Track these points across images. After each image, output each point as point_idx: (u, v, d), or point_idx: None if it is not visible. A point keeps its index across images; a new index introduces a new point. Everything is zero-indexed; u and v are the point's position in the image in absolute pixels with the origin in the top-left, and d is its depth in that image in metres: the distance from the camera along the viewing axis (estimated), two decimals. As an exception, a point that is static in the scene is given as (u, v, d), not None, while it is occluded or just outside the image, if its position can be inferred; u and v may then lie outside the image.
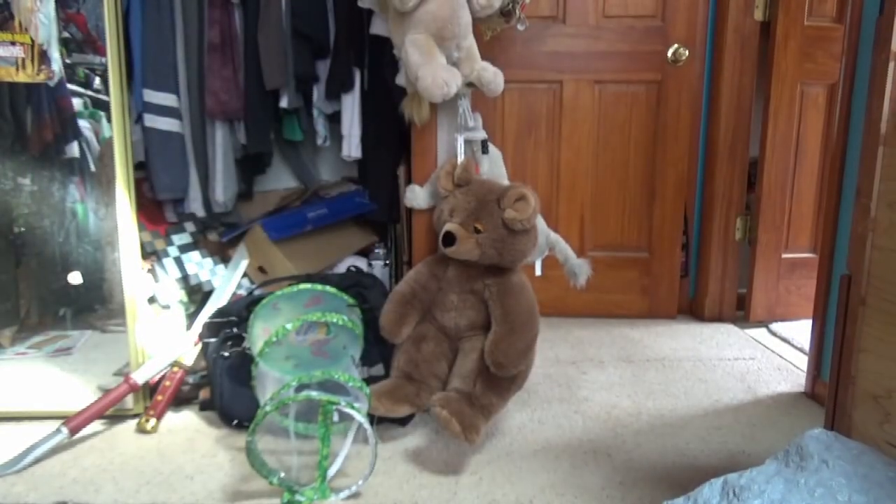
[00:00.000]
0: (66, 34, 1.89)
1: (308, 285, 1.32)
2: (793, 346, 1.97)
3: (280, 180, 2.22)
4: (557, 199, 2.21)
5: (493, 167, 1.76)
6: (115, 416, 1.40)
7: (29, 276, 1.99)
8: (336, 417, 1.16)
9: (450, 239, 1.31)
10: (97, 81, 2.08)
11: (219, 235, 2.04)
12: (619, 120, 2.17)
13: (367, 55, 1.96)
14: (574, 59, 2.12)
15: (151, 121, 1.77)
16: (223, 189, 1.92)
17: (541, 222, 1.65)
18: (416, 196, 1.78)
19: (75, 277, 1.95)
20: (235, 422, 1.36)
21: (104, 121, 2.05)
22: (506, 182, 1.68)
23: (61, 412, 1.35)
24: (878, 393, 0.97)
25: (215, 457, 1.25)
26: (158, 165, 1.81)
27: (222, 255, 2.02)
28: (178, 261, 1.88)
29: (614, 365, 1.80)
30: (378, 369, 1.45)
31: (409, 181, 1.89)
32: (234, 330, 1.43)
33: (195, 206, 1.91)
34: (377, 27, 1.79)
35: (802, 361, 1.75)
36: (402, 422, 1.37)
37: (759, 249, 2.17)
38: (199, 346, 1.51)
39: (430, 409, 1.22)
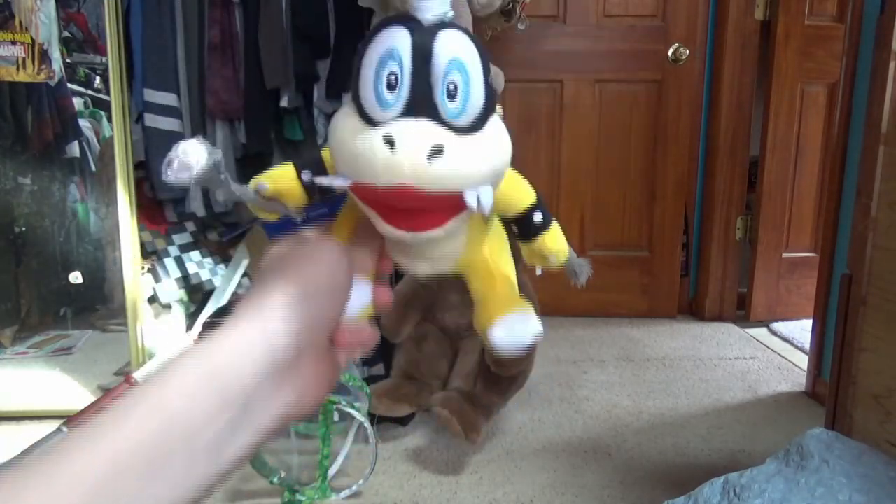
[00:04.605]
0: (66, 34, 1.89)
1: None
2: (793, 345, 1.96)
3: (280, 180, 2.22)
4: (558, 199, 2.21)
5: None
6: (115, 416, 1.40)
7: (29, 275, 1.99)
8: (336, 417, 1.16)
9: (450, 238, 1.31)
10: (98, 81, 2.08)
11: (219, 235, 2.04)
12: (619, 119, 2.16)
13: (367, 55, 1.96)
14: (574, 59, 2.12)
15: (152, 120, 1.77)
16: (224, 189, 1.92)
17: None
18: (417, 195, 1.78)
19: (76, 277, 1.95)
20: (236, 421, 1.36)
21: (105, 120, 2.05)
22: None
23: (62, 412, 1.35)
24: (879, 392, 0.97)
25: (216, 456, 1.25)
26: (159, 165, 1.80)
27: (223, 254, 2.02)
28: (179, 260, 1.88)
29: (615, 364, 1.80)
30: (378, 369, 1.45)
31: (409, 181, 1.89)
32: (235, 329, 1.43)
33: (196, 205, 1.90)
34: (377, 27, 1.79)
35: (803, 361, 1.75)
36: (403, 421, 1.37)
37: (760, 249, 2.17)
38: (200, 345, 1.50)
39: (430, 408, 1.22)
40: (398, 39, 0.30)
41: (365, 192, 0.33)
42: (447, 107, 0.31)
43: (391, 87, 0.31)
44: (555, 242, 0.45)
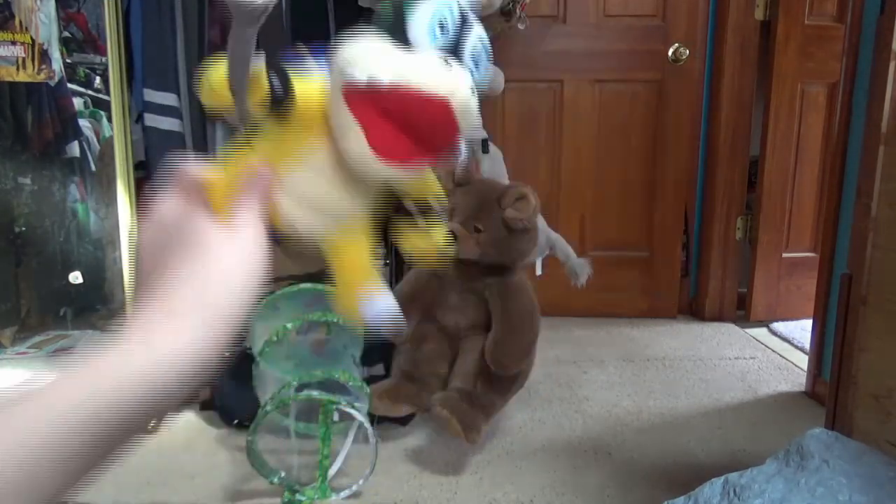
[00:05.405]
0: (66, 34, 1.89)
1: (309, 285, 1.32)
2: (793, 345, 1.97)
3: (280, 180, 2.22)
4: (558, 199, 2.21)
5: (494, 166, 1.75)
6: (115, 416, 1.40)
7: (29, 275, 1.99)
8: (336, 417, 1.16)
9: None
10: (98, 81, 2.08)
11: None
12: (619, 119, 2.16)
13: (367, 55, 1.96)
14: (574, 59, 2.12)
15: (152, 120, 1.77)
16: (223, 189, 1.92)
17: (541, 222, 1.65)
18: (417, 195, 1.78)
19: (76, 277, 1.95)
20: (236, 421, 1.36)
21: (104, 120, 2.05)
22: (506, 181, 1.68)
23: (62, 412, 1.34)
24: (879, 392, 0.97)
25: (216, 456, 1.25)
26: (159, 165, 1.81)
27: (223, 254, 2.02)
28: (179, 260, 1.88)
29: (615, 364, 1.80)
30: (378, 369, 1.45)
31: (409, 181, 1.89)
32: (235, 329, 1.43)
33: (195, 205, 1.91)
34: (377, 27, 1.79)
35: (803, 361, 1.75)
36: (403, 421, 1.37)
37: (760, 249, 2.17)
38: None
39: (430, 408, 1.22)
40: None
41: (392, 96, 0.33)
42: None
43: (441, 28, 0.35)
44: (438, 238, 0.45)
